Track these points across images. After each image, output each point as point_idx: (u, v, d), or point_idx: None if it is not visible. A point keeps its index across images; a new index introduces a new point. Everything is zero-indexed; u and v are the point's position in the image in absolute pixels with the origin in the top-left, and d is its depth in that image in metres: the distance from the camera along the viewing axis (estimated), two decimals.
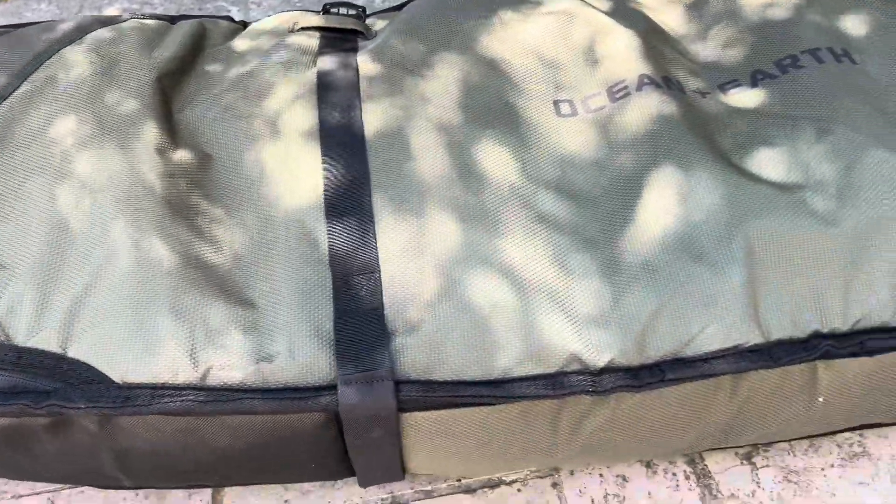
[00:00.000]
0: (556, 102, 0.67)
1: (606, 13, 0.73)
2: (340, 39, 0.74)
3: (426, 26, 0.72)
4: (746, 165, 0.60)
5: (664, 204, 0.58)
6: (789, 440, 0.66)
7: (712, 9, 0.75)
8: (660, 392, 0.54)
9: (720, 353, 0.53)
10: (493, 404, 0.52)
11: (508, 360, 0.52)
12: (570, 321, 0.53)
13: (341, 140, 0.62)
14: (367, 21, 0.79)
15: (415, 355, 0.52)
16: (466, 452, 0.56)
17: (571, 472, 0.66)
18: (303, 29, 0.75)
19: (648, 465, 0.67)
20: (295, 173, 0.61)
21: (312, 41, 0.73)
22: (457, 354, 0.52)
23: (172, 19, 0.77)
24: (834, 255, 0.55)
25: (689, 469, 0.66)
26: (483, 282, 0.54)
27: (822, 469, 0.66)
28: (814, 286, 0.54)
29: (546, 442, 0.56)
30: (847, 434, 0.68)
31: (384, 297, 0.54)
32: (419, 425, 0.54)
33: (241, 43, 0.75)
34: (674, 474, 0.66)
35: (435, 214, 0.58)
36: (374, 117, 0.64)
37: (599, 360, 0.52)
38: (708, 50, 0.72)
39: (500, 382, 0.52)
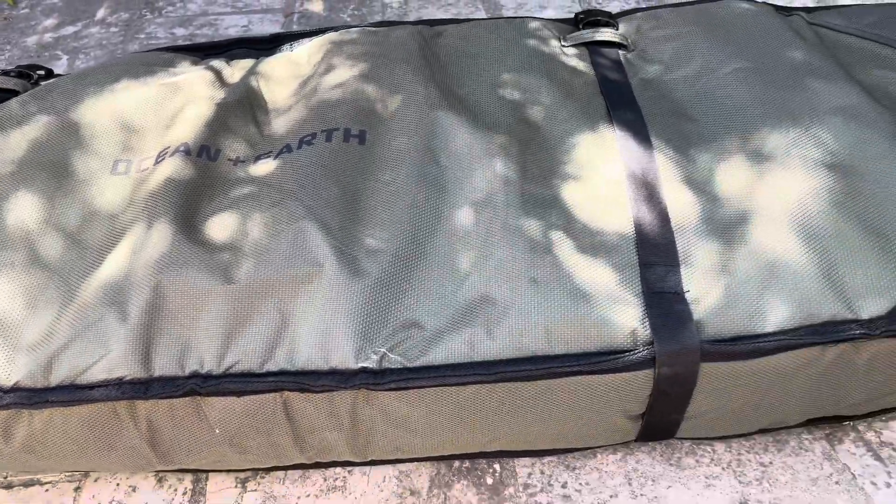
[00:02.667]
0: (115, 162, 0.79)
1: (222, 83, 0.85)
2: None
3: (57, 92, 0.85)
4: (202, 225, 0.70)
5: (124, 253, 0.69)
6: (285, 468, 0.75)
7: (310, 84, 0.86)
8: (65, 414, 0.64)
9: (104, 382, 0.63)
10: None
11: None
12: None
13: None
14: None
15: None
16: None
17: (95, 479, 0.77)
18: None
19: (160, 478, 0.77)
20: None
21: None
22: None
23: None
24: (223, 307, 0.64)
25: (191, 486, 0.76)
26: None
27: (299, 498, 0.74)
28: (202, 332, 0.64)
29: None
30: (338, 469, 0.76)
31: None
32: None
33: None
34: (176, 489, 0.76)
35: None
36: None
37: (8, 380, 0.64)
38: (279, 122, 0.82)
39: None
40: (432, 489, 0.74)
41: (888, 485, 0.70)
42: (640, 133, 0.75)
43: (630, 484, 0.72)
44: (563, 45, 0.89)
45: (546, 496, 0.72)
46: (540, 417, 0.65)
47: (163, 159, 0.77)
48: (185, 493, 0.75)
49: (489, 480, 0.74)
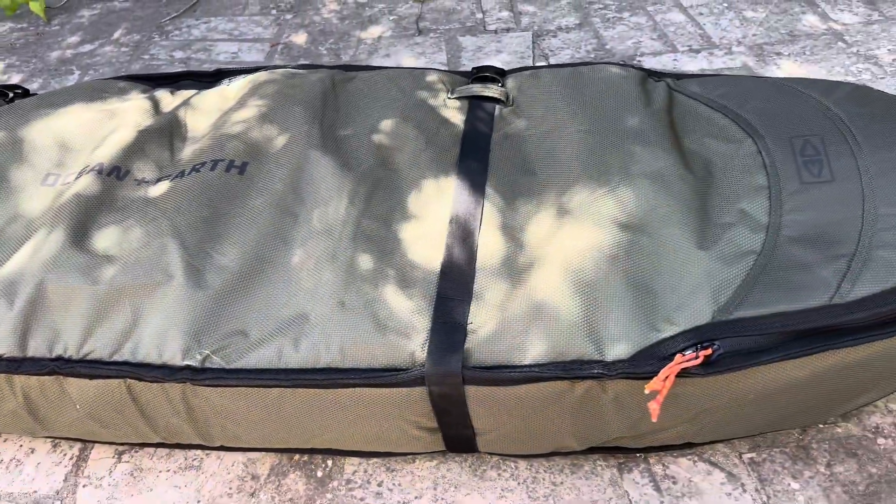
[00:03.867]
0: (47, 175, 0.94)
1: (156, 111, 1.00)
2: None
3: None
4: (92, 235, 0.84)
5: (27, 252, 0.83)
6: (154, 445, 0.88)
7: (224, 117, 1.00)
8: None
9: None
10: None
11: None
12: None
13: None
14: None
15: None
16: None
17: (5, 440, 0.92)
18: None
19: (56, 444, 0.91)
20: None
21: None
22: None
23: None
24: (89, 304, 0.78)
25: (77, 453, 0.90)
26: None
27: (160, 472, 0.87)
28: (70, 323, 0.78)
29: None
30: (198, 451, 0.89)
31: None
32: None
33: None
34: (65, 454, 0.90)
35: None
36: None
37: None
38: (188, 150, 0.96)
39: None
40: (270, 476, 0.85)
41: None
42: (478, 182, 0.86)
43: (435, 489, 0.82)
44: (449, 98, 1.00)
45: (362, 492, 0.83)
46: (339, 422, 0.76)
47: (80, 176, 0.91)
48: (71, 459, 0.89)
49: (319, 474, 0.85)
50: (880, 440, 0.82)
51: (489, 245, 0.80)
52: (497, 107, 0.98)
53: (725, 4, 1.57)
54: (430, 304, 0.75)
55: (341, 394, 0.73)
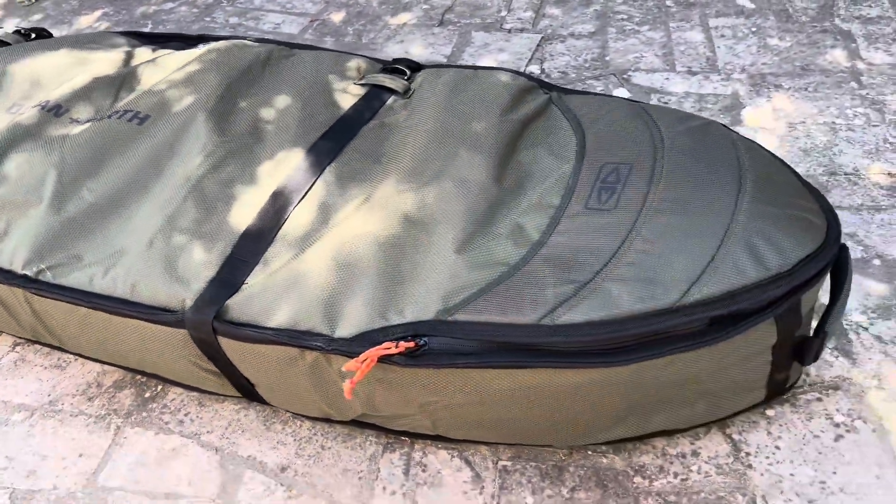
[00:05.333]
0: (13, 104, 1.12)
1: (125, 64, 1.16)
2: None
3: None
4: (6, 158, 1.00)
5: None
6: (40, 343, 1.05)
7: (167, 77, 1.13)
8: None
9: None
10: None
11: None
12: None
13: None
14: None
15: None
16: None
17: None
18: None
19: None
20: None
21: None
22: None
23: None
24: None
25: None
26: None
27: (37, 365, 1.03)
28: None
29: None
30: (69, 355, 1.04)
31: None
32: None
33: None
34: None
35: None
36: None
37: None
38: (125, 102, 1.10)
39: None
40: (110, 388, 0.98)
41: (392, 492, 0.83)
42: (321, 162, 0.93)
43: (227, 428, 0.91)
44: (354, 83, 1.07)
45: (170, 416, 0.94)
46: (137, 349, 0.87)
47: (30, 109, 1.08)
48: None
49: (147, 394, 0.97)
50: (637, 479, 0.80)
51: (299, 218, 0.87)
52: (394, 97, 1.04)
53: (753, 29, 1.50)
54: (220, 260, 0.84)
55: (129, 323, 0.84)
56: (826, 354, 0.90)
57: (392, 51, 1.59)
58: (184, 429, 0.92)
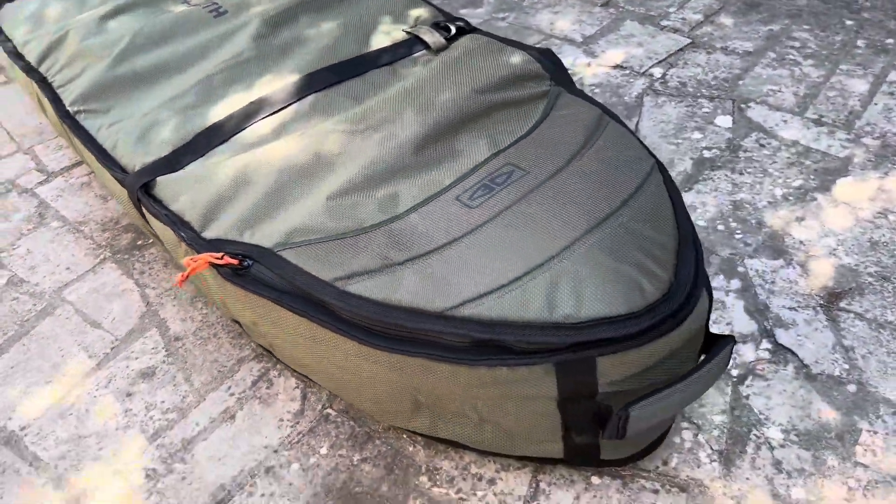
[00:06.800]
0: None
1: None
2: None
3: None
4: (114, 17, 1.20)
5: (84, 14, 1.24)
6: None
7: None
8: None
9: None
10: None
11: None
12: None
13: None
14: None
15: None
16: None
17: None
18: None
19: None
20: None
21: None
22: None
23: None
24: None
25: None
26: None
27: None
28: None
29: None
30: None
31: None
32: None
33: None
34: None
35: None
36: None
37: None
38: None
39: None
40: (123, 227, 1.16)
41: (232, 393, 0.90)
42: (308, 87, 0.99)
43: (166, 291, 1.05)
44: (403, 29, 1.11)
45: (141, 265, 1.09)
46: (115, 198, 1.03)
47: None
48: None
49: (139, 242, 1.14)
50: (423, 478, 0.80)
51: (256, 130, 0.95)
52: (424, 51, 1.06)
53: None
54: (178, 143, 0.95)
55: (106, 175, 0.99)
56: (703, 451, 0.79)
57: (540, 20, 1.57)
58: (140, 278, 1.06)
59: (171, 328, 0.99)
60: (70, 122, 1.05)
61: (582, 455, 0.74)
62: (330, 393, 0.88)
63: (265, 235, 0.79)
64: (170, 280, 1.05)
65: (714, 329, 0.91)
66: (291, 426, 0.86)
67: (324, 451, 0.83)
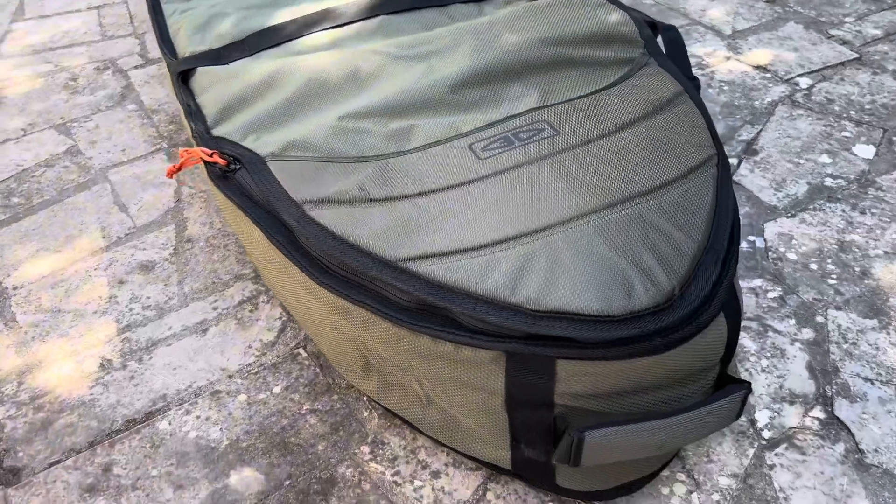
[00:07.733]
0: None
1: None
2: None
3: None
4: None
5: None
6: None
7: None
8: None
9: None
10: None
11: None
12: None
13: None
14: None
15: None
16: None
17: None
18: None
19: None
20: None
21: None
22: None
23: None
24: None
25: None
26: None
27: None
28: None
29: None
30: None
31: None
32: None
33: None
34: None
35: None
36: None
37: None
38: None
39: None
40: None
41: (252, 326, 0.85)
42: (382, 8, 0.92)
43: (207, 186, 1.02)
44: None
45: None
46: None
47: None
48: None
49: None
50: (364, 448, 0.71)
51: (311, 40, 0.89)
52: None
53: None
54: (231, 39, 0.92)
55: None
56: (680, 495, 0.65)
57: (692, 4, 1.40)
58: (182, 175, 1.04)
59: (188, 229, 0.95)
60: (153, 2, 1.04)
61: (533, 473, 0.62)
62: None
63: (265, 143, 0.72)
64: (207, 181, 1.02)
65: (753, 377, 0.75)
66: (257, 356, 0.79)
67: (277, 390, 0.76)
